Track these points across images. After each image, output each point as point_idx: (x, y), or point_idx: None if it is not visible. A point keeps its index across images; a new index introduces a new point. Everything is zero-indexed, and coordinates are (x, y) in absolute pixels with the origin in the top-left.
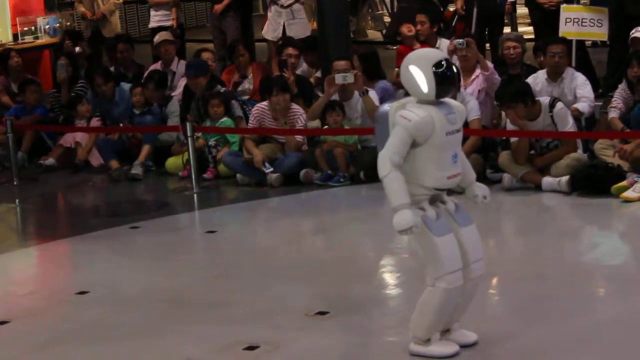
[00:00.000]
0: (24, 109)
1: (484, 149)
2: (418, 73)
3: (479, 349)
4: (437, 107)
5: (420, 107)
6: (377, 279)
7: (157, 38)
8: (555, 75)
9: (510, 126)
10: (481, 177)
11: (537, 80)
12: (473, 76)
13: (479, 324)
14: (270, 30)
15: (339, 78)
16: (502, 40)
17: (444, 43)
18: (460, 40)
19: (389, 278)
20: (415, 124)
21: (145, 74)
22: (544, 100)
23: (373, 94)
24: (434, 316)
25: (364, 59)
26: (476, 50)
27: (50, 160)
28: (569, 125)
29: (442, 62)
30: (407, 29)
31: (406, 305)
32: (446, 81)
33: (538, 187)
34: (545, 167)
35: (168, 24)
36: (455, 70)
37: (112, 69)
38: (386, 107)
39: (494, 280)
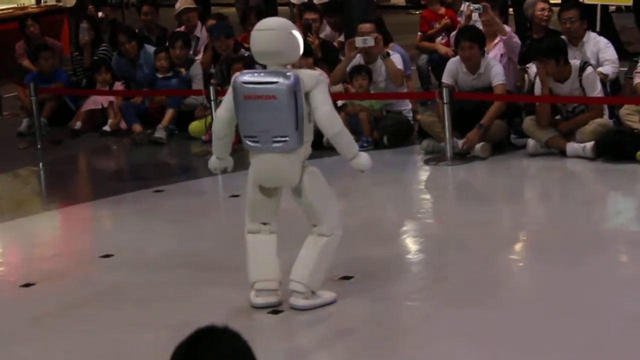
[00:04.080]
0: (40, 76)
1: (508, 114)
2: (299, 38)
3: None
4: None
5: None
6: (400, 243)
7: (178, 6)
8: (575, 40)
9: (538, 90)
10: (506, 143)
11: None
12: (495, 41)
13: (501, 289)
14: None
15: (359, 41)
16: (531, 3)
17: (473, 5)
18: (477, 5)
19: (412, 243)
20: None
21: (169, 36)
22: (575, 62)
23: (397, 57)
24: (328, 265)
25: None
26: (492, 14)
27: (78, 124)
28: (597, 91)
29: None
30: None
31: (429, 270)
32: None
33: (562, 153)
34: (570, 132)
35: None
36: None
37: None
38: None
39: (518, 246)
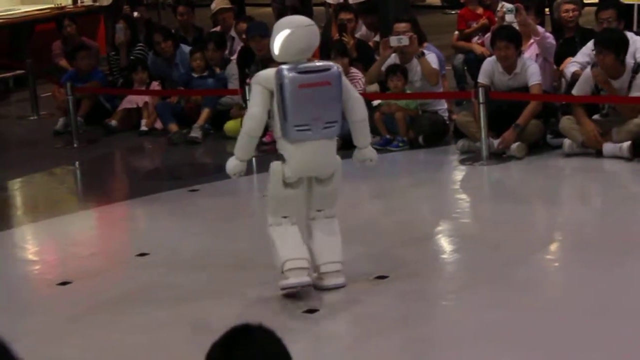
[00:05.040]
0: (77, 75)
1: (545, 114)
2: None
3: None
4: None
5: None
6: (436, 244)
7: (214, 6)
8: None
9: (578, 89)
10: (542, 142)
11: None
12: (531, 41)
13: (537, 290)
14: None
15: (393, 40)
16: (558, 3)
17: (507, 6)
18: (510, 6)
19: (447, 243)
20: None
21: (205, 36)
22: (629, 62)
23: (432, 57)
24: None
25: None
26: (525, 15)
27: (113, 122)
28: None
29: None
30: None
31: (464, 271)
32: None
33: (599, 153)
34: (606, 132)
35: None
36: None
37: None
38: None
39: (554, 247)
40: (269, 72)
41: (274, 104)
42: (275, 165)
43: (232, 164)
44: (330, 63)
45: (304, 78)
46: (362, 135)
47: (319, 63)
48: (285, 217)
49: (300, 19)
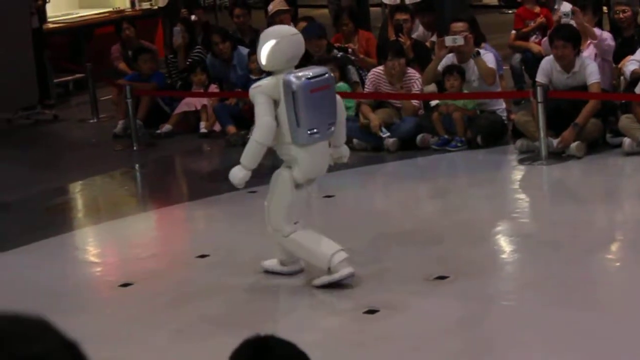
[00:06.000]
0: (139, 77)
1: (604, 112)
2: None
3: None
4: None
5: None
6: (496, 243)
7: (271, 8)
8: None
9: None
10: (601, 141)
11: None
12: (589, 41)
13: (597, 290)
14: None
15: (448, 40)
16: (613, 3)
17: (564, 6)
18: (567, 9)
19: (507, 243)
20: None
21: None
22: None
23: (489, 56)
24: None
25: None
26: (581, 19)
27: (167, 127)
28: None
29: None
30: None
31: (524, 270)
32: None
33: None
34: None
35: None
36: None
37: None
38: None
39: (614, 246)
40: (272, 82)
41: (281, 112)
42: (284, 171)
43: (240, 174)
44: (324, 68)
45: (312, 83)
46: (343, 134)
47: (316, 69)
48: (296, 222)
49: (285, 29)
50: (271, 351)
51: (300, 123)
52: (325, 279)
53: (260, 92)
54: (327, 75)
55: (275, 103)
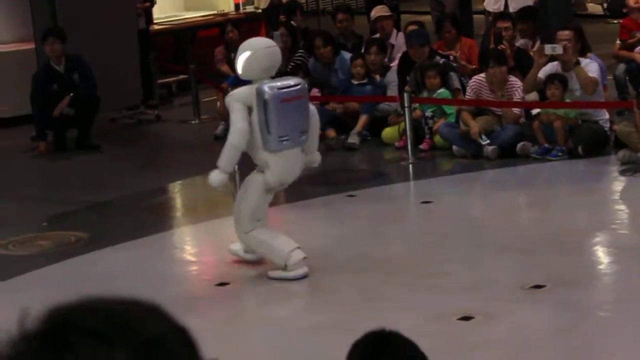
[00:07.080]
0: (239, 80)
1: None
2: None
3: None
4: None
5: None
6: (594, 254)
7: (374, 13)
8: None
9: None
10: None
11: None
12: None
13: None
14: (492, 2)
15: (547, 49)
16: None
17: None
18: None
19: (605, 254)
20: None
21: (365, 42)
22: None
23: (593, 67)
24: None
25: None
26: None
27: None
28: None
29: None
30: (633, 1)
31: (622, 281)
32: None
33: None
34: None
35: None
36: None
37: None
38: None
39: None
40: (247, 90)
41: (254, 119)
42: (257, 176)
43: (218, 177)
44: (299, 79)
45: (284, 93)
46: (315, 142)
47: (290, 80)
48: (258, 220)
49: (261, 41)
50: (389, 346)
51: (270, 130)
52: (280, 273)
53: (236, 99)
54: (300, 86)
55: (250, 110)
